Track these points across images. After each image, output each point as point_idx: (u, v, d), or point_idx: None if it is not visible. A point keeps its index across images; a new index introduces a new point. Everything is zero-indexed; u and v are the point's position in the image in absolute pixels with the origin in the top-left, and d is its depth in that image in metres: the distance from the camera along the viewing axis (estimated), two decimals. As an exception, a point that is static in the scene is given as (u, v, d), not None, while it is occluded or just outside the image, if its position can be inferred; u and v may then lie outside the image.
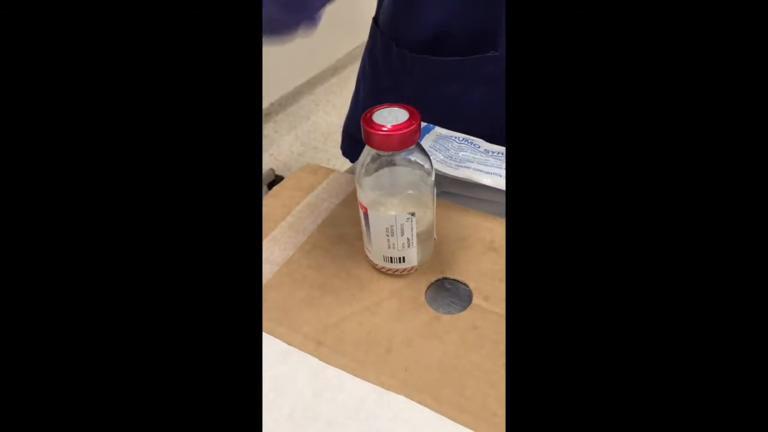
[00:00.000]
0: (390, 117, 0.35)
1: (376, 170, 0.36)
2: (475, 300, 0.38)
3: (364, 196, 0.37)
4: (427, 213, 0.39)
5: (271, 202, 0.48)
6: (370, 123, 0.34)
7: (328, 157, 1.87)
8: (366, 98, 0.60)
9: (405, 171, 0.38)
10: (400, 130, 0.34)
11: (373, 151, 0.35)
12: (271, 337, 0.36)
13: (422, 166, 0.37)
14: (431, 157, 0.46)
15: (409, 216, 0.36)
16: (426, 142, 0.47)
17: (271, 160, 1.87)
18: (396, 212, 0.37)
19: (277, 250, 0.43)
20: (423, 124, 0.50)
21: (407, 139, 0.34)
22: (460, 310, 0.38)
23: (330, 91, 2.23)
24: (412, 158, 0.37)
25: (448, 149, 0.46)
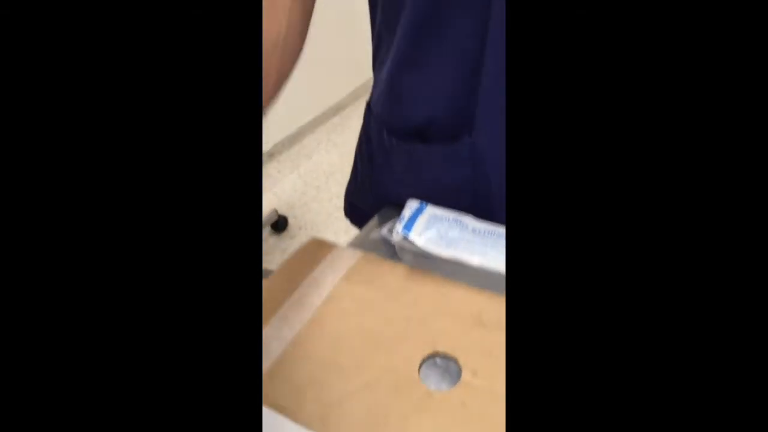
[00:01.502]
0: None
1: None
2: (464, 375, 0.42)
3: None
4: None
5: (278, 279, 0.52)
6: None
7: (329, 196, 1.93)
8: (363, 170, 0.65)
9: None
10: None
11: None
12: (280, 415, 0.40)
13: None
14: (424, 235, 0.51)
15: None
16: (421, 221, 0.52)
17: (274, 199, 1.93)
18: None
19: (285, 327, 0.47)
20: (417, 203, 0.55)
21: None
22: (451, 386, 0.42)
23: (332, 130, 2.30)
24: None
25: (439, 229, 0.51)
